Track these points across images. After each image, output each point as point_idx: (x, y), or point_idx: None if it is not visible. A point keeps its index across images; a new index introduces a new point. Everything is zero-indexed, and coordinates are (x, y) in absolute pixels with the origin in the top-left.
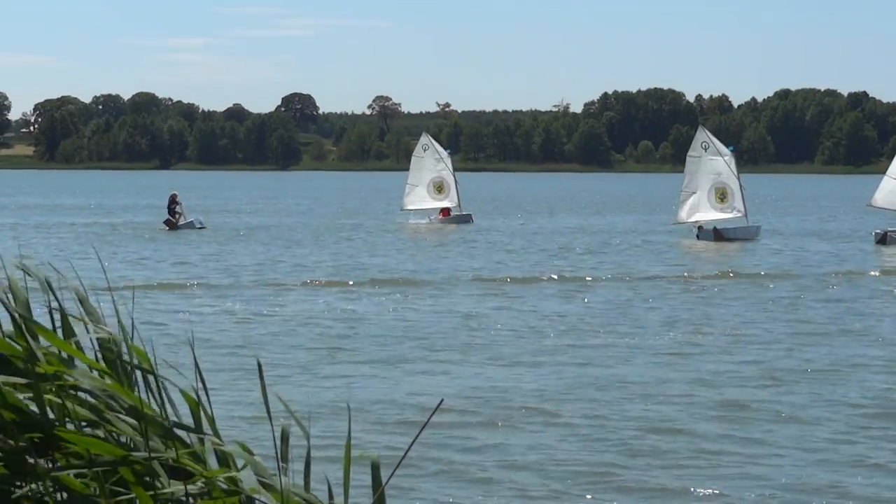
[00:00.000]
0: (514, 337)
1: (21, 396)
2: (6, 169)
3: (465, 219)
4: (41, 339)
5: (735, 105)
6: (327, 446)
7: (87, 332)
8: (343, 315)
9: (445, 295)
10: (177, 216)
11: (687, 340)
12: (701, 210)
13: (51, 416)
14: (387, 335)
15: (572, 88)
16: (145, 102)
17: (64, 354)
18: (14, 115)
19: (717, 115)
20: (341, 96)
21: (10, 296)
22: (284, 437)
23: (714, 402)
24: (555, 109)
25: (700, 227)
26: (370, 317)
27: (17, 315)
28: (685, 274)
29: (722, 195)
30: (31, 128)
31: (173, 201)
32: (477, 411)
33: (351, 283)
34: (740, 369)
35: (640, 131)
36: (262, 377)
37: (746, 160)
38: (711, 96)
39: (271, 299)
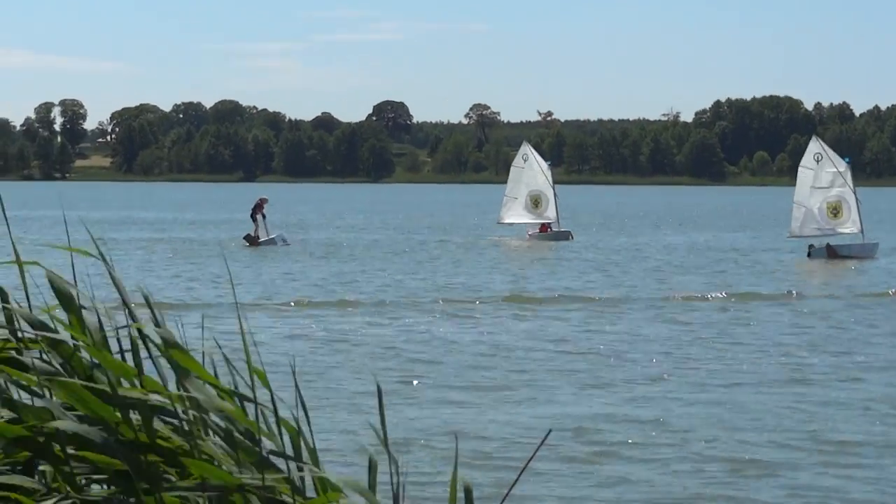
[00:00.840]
0: (614, 361)
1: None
2: (82, 181)
3: (564, 235)
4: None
5: (857, 113)
6: (424, 483)
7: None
8: (430, 338)
9: (538, 316)
10: (256, 225)
11: (799, 365)
12: (811, 225)
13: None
14: (477, 359)
15: (682, 96)
16: (228, 111)
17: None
18: (90, 124)
19: (837, 124)
20: (436, 104)
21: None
22: (395, 466)
23: (829, 440)
24: (664, 118)
25: (811, 245)
26: (459, 340)
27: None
28: (794, 294)
29: (835, 210)
30: (108, 137)
31: (259, 208)
32: (582, 442)
33: (440, 302)
34: (857, 399)
35: (755, 141)
36: (381, 403)
37: (869, 172)
38: (831, 104)
39: (353, 320)
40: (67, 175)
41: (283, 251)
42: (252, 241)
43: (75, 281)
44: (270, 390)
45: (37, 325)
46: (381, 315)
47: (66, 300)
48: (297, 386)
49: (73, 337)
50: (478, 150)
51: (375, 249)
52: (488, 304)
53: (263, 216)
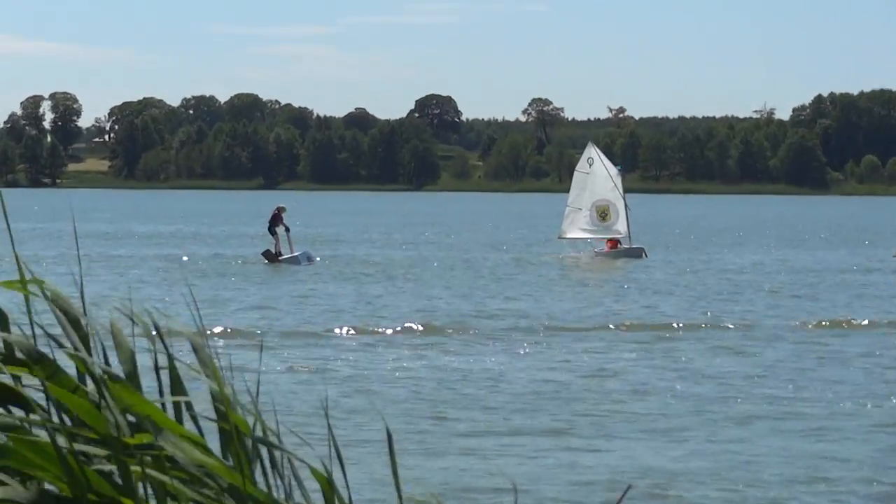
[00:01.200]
0: (692, 402)
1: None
2: (75, 187)
3: (636, 253)
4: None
5: None
6: None
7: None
8: (477, 372)
9: (602, 347)
10: (276, 239)
11: None
12: None
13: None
14: (533, 398)
15: (778, 90)
16: (246, 106)
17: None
18: (85, 121)
19: None
20: (489, 99)
21: (98, 347)
22: None
23: None
24: (756, 116)
25: None
26: (510, 375)
27: (103, 372)
28: None
29: None
30: (106, 137)
31: (277, 219)
32: (659, 497)
33: (488, 331)
34: None
35: (863, 143)
36: (392, 452)
37: None
38: None
39: (386, 351)
40: (58, 181)
41: (306, 270)
42: (272, 258)
43: (84, 308)
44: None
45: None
46: (419, 346)
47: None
48: (329, 429)
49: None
50: (537, 152)
51: (415, 269)
52: (544, 334)
53: (287, 229)
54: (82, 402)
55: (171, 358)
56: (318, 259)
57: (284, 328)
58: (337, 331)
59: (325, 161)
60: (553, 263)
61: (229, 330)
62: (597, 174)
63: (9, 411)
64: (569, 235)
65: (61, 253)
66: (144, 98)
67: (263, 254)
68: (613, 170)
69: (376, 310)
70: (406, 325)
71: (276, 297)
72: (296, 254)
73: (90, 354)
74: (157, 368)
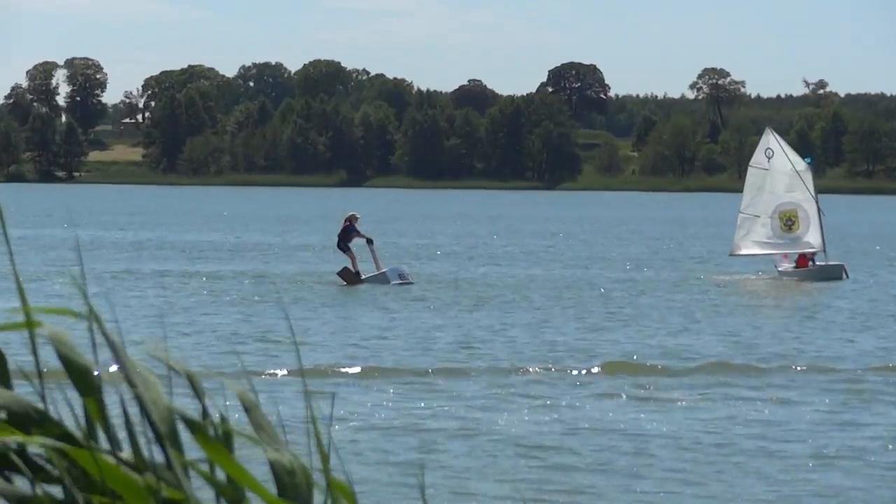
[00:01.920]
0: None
1: None
2: (99, 182)
3: (834, 272)
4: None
5: None
6: None
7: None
8: (607, 426)
9: (781, 397)
10: (352, 256)
11: None
12: None
13: None
14: (693, 457)
15: None
16: (324, 78)
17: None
18: (112, 96)
19: None
20: (646, 70)
21: (145, 398)
22: None
23: None
24: None
25: None
26: (649, 430)
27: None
28: None
29: None
30: (140, 117)
31: (350, 232)
32: None
33: (623, 374)
34: None
35: None
36: None
37: None
38: None
39: (492, 397)
40: (77, 174)
41: (398, 293)
42: (351, 278)
43: (94, 352)
44: None
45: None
46: (536, 393)
47: (78, 375)
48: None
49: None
50: (710, 139)
51: (541, 292)
52: (701, 376)
53: (369, 241)
54: (124, 475)
55: (223, 421)
56: (412, 279)
57: (372, 365)
58: (430, 371)
59: (428, 150)
60: (725, 287)
61: (298, 370)
62: (777, 170)
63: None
64: (743, 251)
65: (92, 269)
66: (190, 66)
67: (340, 273)
68: (801, 164)
69: (487, 345)
70: (525, 366)
71: (358, 328)
72: (383, 270)
73: (103, 416)
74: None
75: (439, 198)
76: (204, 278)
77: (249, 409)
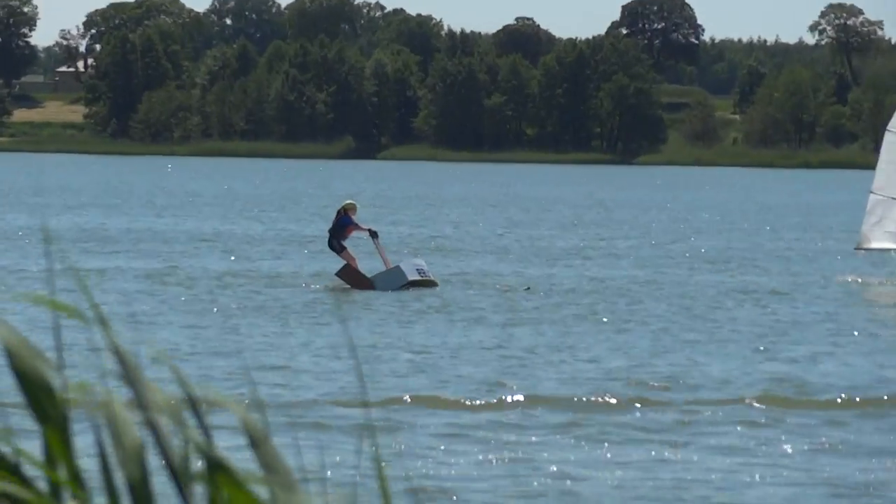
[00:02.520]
0: None
1: None
2: (28, 151)
3: None
4: None
5: None
6: None
7: None
8: (697, 475)
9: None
10: (347, 255)
11: None
12: None
13: None
14: None
15: None
16: (325, 14)
17: None
18: (44, 37)
19: None
20: (749, 5)
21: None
22: None
23: None
24: None
25: None
26: (750, 478)
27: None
28: None
29: None
30: (82, 65)
31: (345, 223)
32: None
33: (708, 406)
34: None
35: None
36: None
37: None
38: None
39: (534, 434)
40: None
41: (414, 297)
42: (355, 278)
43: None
44: None
45: None
46: (589, 433)
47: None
48: None
49: None
50: (836, 99)
51: (602, 300)
52: (822, 411)
53: (373, 233)
54: None
55: (218, 462)
56: (430, 273)
57: (391, 396)
58: (469, 403)
59: (462, 110)
60: (848, 289)
61: (305, 401)
62: None
63: None
64: (874, 244)
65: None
66: None
67: (340, 273)
68: None
69: (530, 368)
70: (646, 397)
71: (381, 348)
72: (393, 266)
73: (67, 448)
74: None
75: (475, 174)
76: (161, 280)
77: (257, 442)
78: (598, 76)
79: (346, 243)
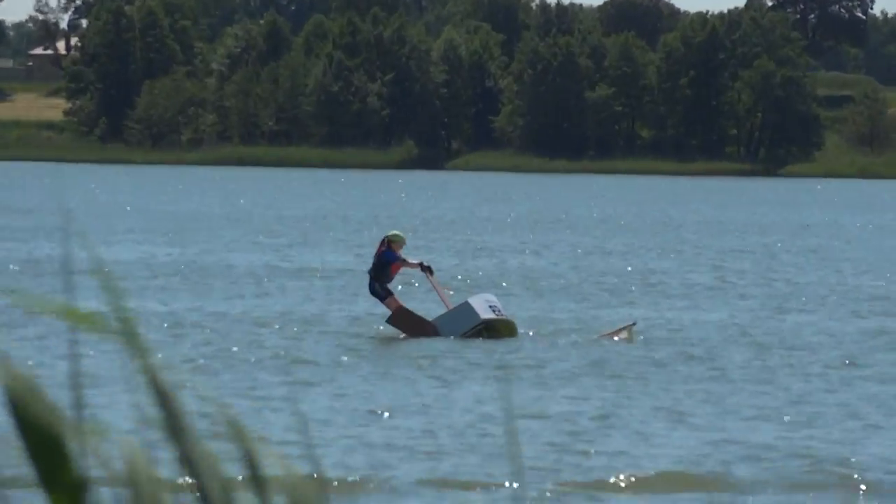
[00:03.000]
0: None
1: None
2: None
3: None
4: None
5: None
6: None
7: None
8: None
9: None
10: (393, 299)
11: None
12: None
13: None
14: None
15: None
16: None
17: None
18: (14, 10)
19: None
20: None
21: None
22: None
23: None
24: None
25: None
26: None
27: None
28: None
29: None
30: (64, 47)
31: (389, 259)
32: None
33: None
34: None
35: None
36: None
37: None
38: None
39: None
40: None
41: (488, 350)
42: (412, 322)
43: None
44: None
45: None
46: None
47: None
48: None
49: None
50: None
51: (726, 355)
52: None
53: (426, 269)
54: None
55: None
56: (503, 312)
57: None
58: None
59: (557, 106)
60: None
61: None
62: None
63: None
64: None
65: None
66: None
67: (392, 319)
68: None
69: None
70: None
71: (445, 412)
72: (461, 303)
73: None
74: None
75: (577, 187)
76: (165, 324)
77: None
78: (736, 61)
79: (391, 286)
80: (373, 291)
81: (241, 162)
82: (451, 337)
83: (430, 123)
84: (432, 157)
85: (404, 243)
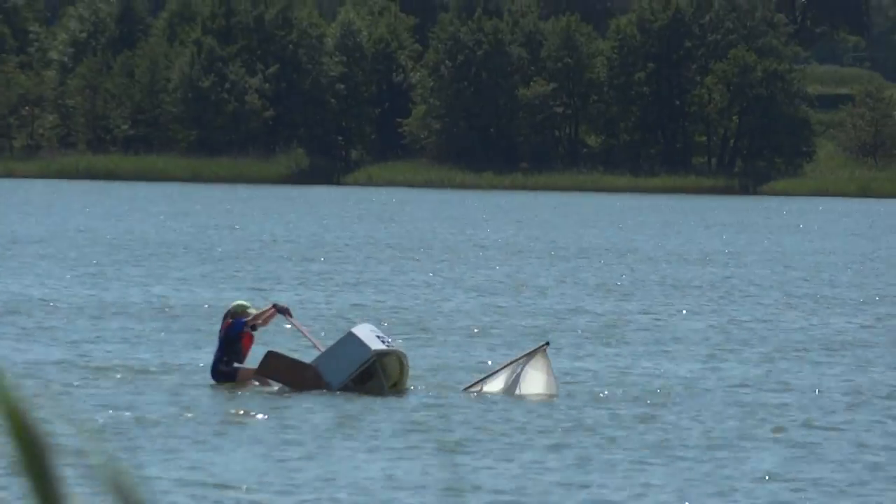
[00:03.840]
0: None
1: None
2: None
3: None
4: None
5: None
6: None
7: None
8: None
9: None
10: (248, 371)
11: None
12: None
13: None
14: None
15: None
16: None
17: None
18: None
19: None
20: None
21: None
22: None
23: None
24: None
25: None
26: None
27: None
28: None
29: None
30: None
31: (237, 330)
32: None
33: None
34: None
35: None
36: None
37: None
38: None
39: None
40: None
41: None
42: (286, 370)
43: None
44: None
45: None
46: None
47: None
48: None
49: None
50: None
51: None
52: None
53: (282, 311)
54: None
55: None
56: (391, 343)
57: None
58: None
59: (482, 106)
60: None
61: None
62: None
63: None
64: None
65: None
66: None
67: (261, 370)
68: None
69: None
70: None
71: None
72: (344, 336)
73: None
74: None
75: (502, 207)
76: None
77: None
78: (706, 51)
79: (243, 357)
80: (217, 376)
81: (89, 174)
82: (339, 381)
83: (324, 128)
84: (327, 169)
85: (248, 309)
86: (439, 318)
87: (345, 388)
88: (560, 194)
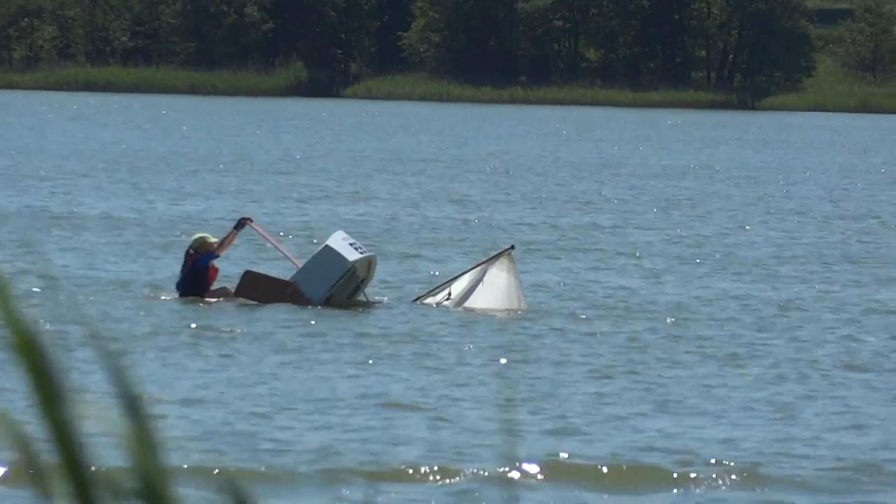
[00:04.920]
0: None
1: None
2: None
3: None
4: None
5: None
6: None
7: None
8: None
9: None
10: (223, 290)
11: None
12: None
13: None
14: None
15: None
16: None
17: None
18: None
19: None
20: None
21: None
22: None
23: None
24: None
25: None
26: None
27: None
28: None
29: None
30: None
31: (203, 263)
32: None
33: None
34: None
35: None
36: None
37: None
38: None
39: None
40: None
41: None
42: (264, 287)
43: None
44: None
45: None
46: None
47: None
48: None
49: None
50: None
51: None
52: None
53: (242, 223)
54: None
55: None
56: (363, 249)
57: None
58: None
59: (481, 19)
60: None
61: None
62: None
63: None
64: None
65: None
66: None
67: (239, 291)
68: None
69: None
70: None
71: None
72: (320, 249)
73: None
74: None
75: (502, 121)
76: None
77: None
78: None
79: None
80: (183, 292)
81: (87, 86)
82: (319, 295)
83: (324, 40)
84: (326, 81)
85: (213, 242)
86: (405, 231)
87: (325, 302)
88: (559, 108)
